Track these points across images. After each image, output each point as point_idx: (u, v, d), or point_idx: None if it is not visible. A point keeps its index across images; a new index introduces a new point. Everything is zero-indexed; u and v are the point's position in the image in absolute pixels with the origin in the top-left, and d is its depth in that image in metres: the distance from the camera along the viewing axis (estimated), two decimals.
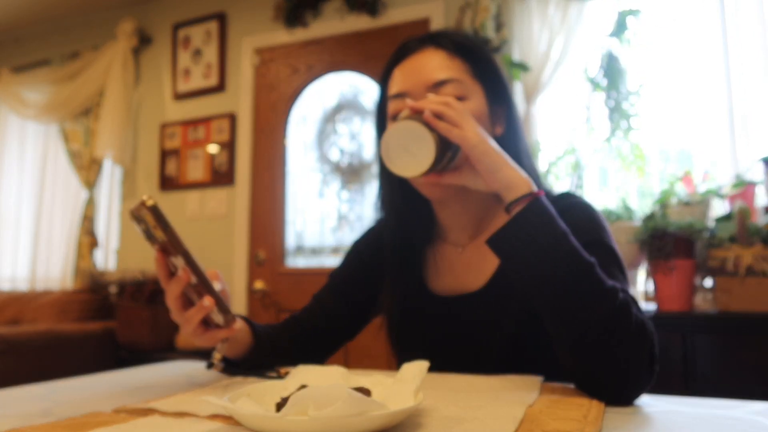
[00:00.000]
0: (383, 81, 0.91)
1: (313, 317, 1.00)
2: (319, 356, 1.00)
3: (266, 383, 0.67)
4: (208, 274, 0.74)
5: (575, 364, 0.68)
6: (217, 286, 0.74)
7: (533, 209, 0.69)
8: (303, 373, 0.67)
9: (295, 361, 0.89)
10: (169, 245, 0.71)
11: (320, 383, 0.65)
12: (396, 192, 0.92)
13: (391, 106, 0.86)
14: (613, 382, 0.65)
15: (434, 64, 0.84)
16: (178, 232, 0.71)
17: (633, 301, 0.70)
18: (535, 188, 0.71)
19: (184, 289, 0.74)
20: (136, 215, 0.70)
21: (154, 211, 0.68)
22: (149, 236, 0.72)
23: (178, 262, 0.72)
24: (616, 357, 0.65)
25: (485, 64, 0.87)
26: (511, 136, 0.88)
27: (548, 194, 0.89)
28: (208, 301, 0.73)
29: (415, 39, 0.88)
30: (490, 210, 0.91)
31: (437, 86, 0.82)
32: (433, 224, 0.96)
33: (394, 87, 0.86)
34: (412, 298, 0.94)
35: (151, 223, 0.69)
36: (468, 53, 0.86)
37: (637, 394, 0.66)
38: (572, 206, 0.84)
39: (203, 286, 0.73)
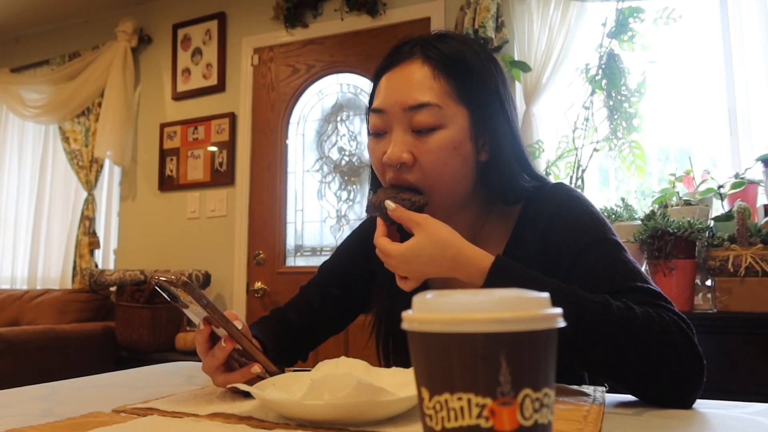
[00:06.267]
0: (374, 84, 0.87)
1: (299, 314, 1.00)
2: (303, 350, 1.00)
3: (293, 375, 0.73)
4: (226, 315, 0.74)
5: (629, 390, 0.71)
6: (237, 325, 0.73)
7: (501, 273, 0.69)
8: (328, 366, 0.71)
9: (281, 358, 0.90)
10: (212, 319, 0.71)
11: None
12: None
13: (371, 120, 0.83)
14: (665, 396, 0.68)
15: (416, 82, 0.78)
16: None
17: (649, 295, 0.72)
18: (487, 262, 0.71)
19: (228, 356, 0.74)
20: (164, 288, 0.70)
21: (188, 287, 0.67)
22: (176, 301, 0.73)
23: (219, 331, 0.73)
24: (666, 375, 0.67)
25: (474, 82, 0.80)
26: (504, 157, 0.82)
27: (539, 186, 0.87)
28: (258, 368, 0.73)
29: (408, 43, 0.84)
30: (481, 217, 0.89)
31: (413, 109, 0.78)
32: None
33: (377, 99, 0.83)
34: (404, 301, 0.92)
35: (185, 298, 0.69)
36: (455, 70, 0.79)
37: (694, 396, 0.68)
38: (567, 204, 0.83)
39: (247, 350, 0.74)
